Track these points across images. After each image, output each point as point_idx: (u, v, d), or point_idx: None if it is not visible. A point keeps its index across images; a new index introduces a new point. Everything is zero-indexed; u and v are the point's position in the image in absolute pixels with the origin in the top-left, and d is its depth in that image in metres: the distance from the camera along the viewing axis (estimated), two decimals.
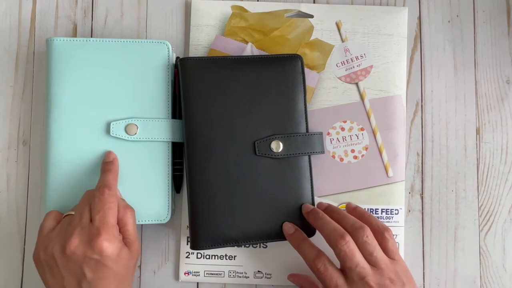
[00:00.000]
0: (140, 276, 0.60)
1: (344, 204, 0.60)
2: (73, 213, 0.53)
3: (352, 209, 0.56)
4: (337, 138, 0.61)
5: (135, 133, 0.57)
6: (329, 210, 0.56)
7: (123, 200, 0.55)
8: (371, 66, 0.62)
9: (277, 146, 0.57)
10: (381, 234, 0.53)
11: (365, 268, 0.51)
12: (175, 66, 0.59)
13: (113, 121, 0.57)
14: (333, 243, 0.52)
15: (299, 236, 0.55)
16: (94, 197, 0.52)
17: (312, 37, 0.62)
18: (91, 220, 0.51)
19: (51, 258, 0.51)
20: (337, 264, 0.52)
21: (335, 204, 0.60)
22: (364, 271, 0.50)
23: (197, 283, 0.60)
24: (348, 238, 0.51)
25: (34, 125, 0.61)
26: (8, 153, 0.61)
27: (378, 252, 0.52)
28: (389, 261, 0.52)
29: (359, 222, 0.53)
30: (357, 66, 0.62)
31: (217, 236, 0.56)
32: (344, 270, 0.51)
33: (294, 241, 0.55)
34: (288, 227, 0.56)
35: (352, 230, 0.52)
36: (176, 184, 0.59)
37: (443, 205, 0.62)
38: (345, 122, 0.61)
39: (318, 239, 0.55)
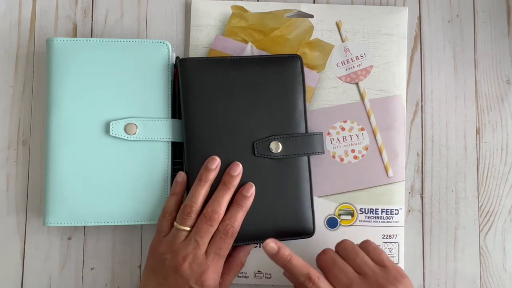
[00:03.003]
0: (140, 276, 0.60)
1: (346, 205, 0.60)
2: (187, 228, 0.54)
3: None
4: (337, 138, 0.61)
5: (135, 133, 0.57)
6: (279, 261, 0.52)
7: None
8: (371, 66, 0.61)
9: (276, 147, 0.56)
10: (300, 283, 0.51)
11: None
12: (175, 66, 0.59)
13: (112, 120, 0.57)
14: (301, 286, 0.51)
15: (284, 256, 0.51)
16: (218, 232, 0.53)
17: (312, 37, 0.62)
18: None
19: (160, 264, 0.53)
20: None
21: (335, 204, 0.60)
22: None
23: None
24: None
25: (34, 125, 0.61)
26: (8, 153, 0.61)
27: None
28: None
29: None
30: (357, 66, 0.62)
31: None
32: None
33: (280, 261, 0.52)
34: (271, 247, 0.52)
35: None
36: None
37: (443, 205, 0.62)
38: (345, 122, 0.61)
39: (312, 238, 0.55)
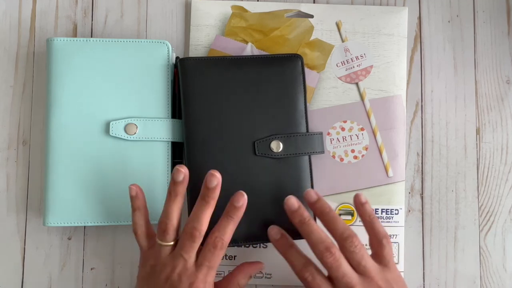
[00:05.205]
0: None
1: (346, 205, 0.60)
2: (170, 243, 0.51)
3: (360, 204, 0.54)
4: (337, 138, 0.61)
5: (135, 133, 0.57)
6: (318, 210, 0.53)
7: None
8: (371, 66, 0.62)
9: (277, 146, 0.57)
10: (378, 240, 0.52)
11: (352, 278, 0.49)
12: (175, 66, 0.59)
13: (112, 120, 0.57)
14: (318, 254, 0.50)
15: (286, 243, 0.53)
16: (207, 245, 0.51)
17: (312, 37, 0.62)
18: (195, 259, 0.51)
19: (150, 275, 0.52)
20: (326, 271, 0.52)
21: (335, 204, 0.60)
22: (352, 281, 0.49)
23: None
24: (334, 249, 0.50)
25: (34, 125, 0.61)
26: (8, 153, 0.61)
27: (367, 261, 0.50)
28: (379, 269, 0.51)
29: (348, 230, 0.51)
30: (357, 66, 0.62)
31: None
32: (332, 280, 0.50)
33: (280, 247, 0.53)
34: (274, 232, 0.53)
35: (341, 240, 0.51)
36: None
37: (443, 205, 0.62)
38: (345, 122, 0.61)
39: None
